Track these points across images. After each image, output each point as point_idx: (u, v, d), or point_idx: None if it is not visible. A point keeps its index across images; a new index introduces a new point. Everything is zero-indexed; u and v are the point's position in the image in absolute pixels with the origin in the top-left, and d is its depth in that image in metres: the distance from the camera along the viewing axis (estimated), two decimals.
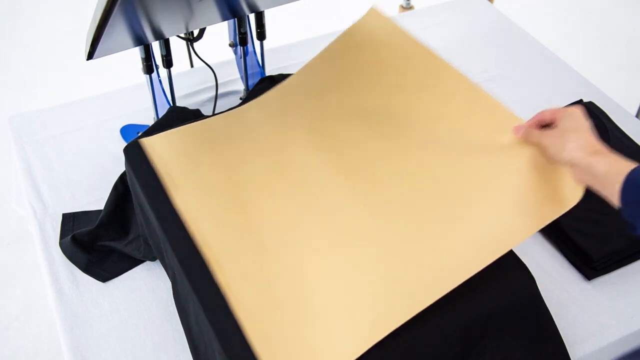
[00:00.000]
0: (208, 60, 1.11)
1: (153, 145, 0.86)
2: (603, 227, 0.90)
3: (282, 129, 0.89)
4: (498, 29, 1.35)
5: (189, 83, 1.21)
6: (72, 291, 0.88)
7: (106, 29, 0.76)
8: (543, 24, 2.41)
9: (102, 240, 0.93)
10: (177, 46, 1.09)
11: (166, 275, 0.86)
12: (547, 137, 0.69)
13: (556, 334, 0.75)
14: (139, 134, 0.96)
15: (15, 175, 1.09)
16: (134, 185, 0.86)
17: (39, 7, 2.62)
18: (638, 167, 0.61)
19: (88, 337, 0.82)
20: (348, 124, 0.86)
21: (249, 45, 1.09)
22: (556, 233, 0.92)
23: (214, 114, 0.97)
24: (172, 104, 1.06)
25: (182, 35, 1.02)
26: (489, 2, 1.44)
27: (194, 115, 0.98)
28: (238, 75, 1.21)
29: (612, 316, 0.83)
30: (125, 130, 1.12)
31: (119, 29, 0.81)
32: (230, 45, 1.12)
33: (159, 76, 1.02)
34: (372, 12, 0.96)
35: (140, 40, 0.93)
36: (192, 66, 1.28)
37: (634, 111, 1.52)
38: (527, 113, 0.83)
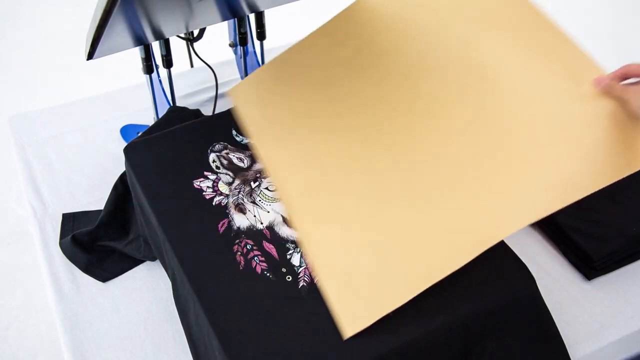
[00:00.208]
0: (208, 60, 1.11)
1: (238, 94, 0.87)
2: (603, 227, 0.90)
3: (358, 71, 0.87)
4: None
5: (189, 83, 1.21)
6: (72, 291, 0.88)
7: (106, 29, 0.76)
8: None
9: (102, 240, 0.93)
10: (177, 46, 1.09)
11: (166, 275, 0.86)
12: (630, 92, 0.67)
13: (556, 334, 0.75)
14: (139, 134, 0.96)
15: (15, 175, 1.09)
16: (134, 185, 0.86)
17: (39, 7, 2.62)
18: None
19: (88, 337, 0.82)
20: (422, 69, 0.83)
21: (249, 45, 1.09)
22: (556, 233, 0.92)
23: (214, 114, 0.98)
24: (172, 104, 1.06)
25: (182, 35, 1.02)
26: None
27: (194, 115, 0.98)
28: (238, 75, 1.21)
29: (612, 316, 0.83)
30: (125, 130, 1.12)
31: (119, 29, 0.81)
32: (230, 45, 1.12)
33: (159, 76, 1.02)
34: None
35: (140, 40, 0.93)
36: (192, 66, 1.28)
37: None
38: None
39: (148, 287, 0.88)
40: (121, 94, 1.21)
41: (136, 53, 0.98)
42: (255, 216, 0.79)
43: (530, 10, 0.82)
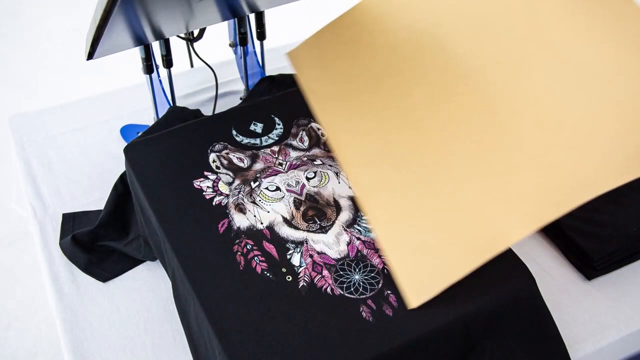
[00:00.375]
0: (208, 60, 1.11)
1: (296, 58, 0.87)
2: (603, 227, 0.90)
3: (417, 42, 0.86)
4: None
5: (189, 83, 1.21)
6: (72, 291, 0.88)
7: (106, 29, 0.76)
8: None
9: (102, 240, 0.93)
10: (177, 46, 1.09)
11: (166, 275, 0.86)
12: None
13: (556, 334, 0.75)
14: (139, 134, 0.96)
15: (15, 175, 1.09)
16: (134, 185, 0.86)
17: (39, 7, 2.62)
18: None
19: (88, 337, 0.82)
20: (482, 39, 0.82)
21: (249, 45, 1.09)
22: (556, 233, 0.92)
23: (214, 114, 0.98)
24: (172, 104, 1.06)
25: (182, 35, 1.02)
26: None
27: (194, 115, 0.98)
28: (238, 75, 1.21)
29: (612, 316, 0.83)
30: (125, 130, 1.12)
31: (119, 29, 0.81)
32: (230, 45, 1.12)
33: (159, 76, 1.02)
34: None
35: (140, 40, 0.93)
36: (192, 66, 1.28)
37: None
38: None
39: (148, 287, 0.88)
40: (121, 94, 1.21)
41: (136, 53, 0.98)
42: (255, 216, 0.79)
43: None
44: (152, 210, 0.80)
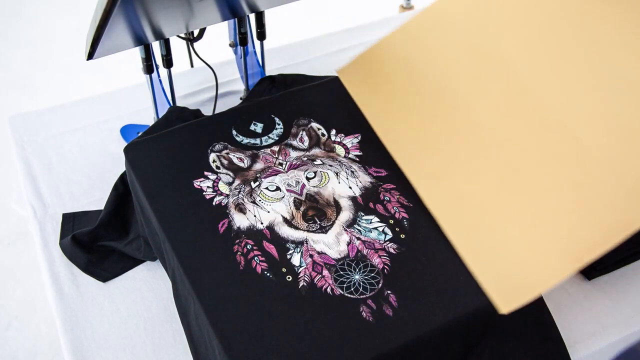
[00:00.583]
0: (208, 60, 1.11)
1: (347, 76, 0.90)
2: None
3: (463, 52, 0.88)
4: None
5: (189, 83, 1.21)
6: (72, 291, 0.88)
7: (106, 29, 0.76)
8: None
9: (102, 240, 0.93)
10: (177, 46, 1.09)
11: (166, 275, 0.86)
12: None
13: (556, 334, 0.75)
14: (139, 134, 0.96)
15: (15, 175, 1.09)
16: (134, 185, 0.86)
17: (39, 7, 2.62)
18: None
19: (88, 337, 0.82)
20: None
21: (249, 45, 1.09)
22: None
23: (214, 114, 0.98)
24: (172, 104, 1.06)
25: (182, 35, 1.02)
26: None
27: (194, 115, 0.98)
28: (238, 75, 1.21)
29: (612, 316, 0.83)
30: (125, 130, 1.12)
31: (119, 29, 0.81)
32: (230, 45, 1.12)
33: (159, 76, 1.02)
34: None
35: (140, 40, 0.93)
36: (192, 66, 1.28)
37: None
38: None
39: (148, 287, 0.88)
40: (121, 94, 1.21)
41: (136, 53, 0.98)
42: (255, 216, 0.79)
43: None
44: (152, 210, 0.80)
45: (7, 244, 1.71)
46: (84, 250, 0.91)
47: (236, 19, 1.04)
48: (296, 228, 0.78)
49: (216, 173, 0.85)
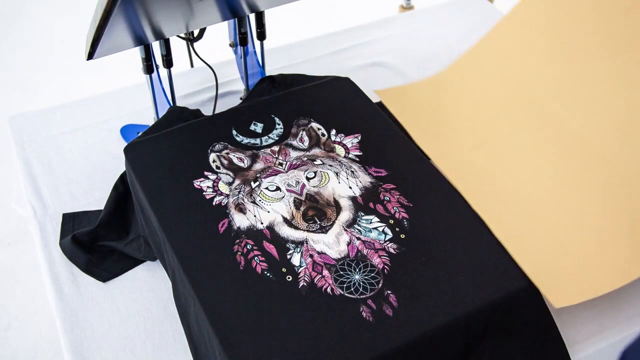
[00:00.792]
0: (208, 60, 1.11)
1: (389, 99, 0.98)
2: None
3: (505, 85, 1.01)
4: None
5: (189, 83, 1.21)
6: (72, 291, 0.88)
7: (106, 29, 0.76)
8: None
9: (102, 240, 0.93)
10: (177, 46, 1.09)
11: (166, 275, 0.86)
12: None
13: (556, 334, 0.75)
14: (139, 134, 0.96)
15: (15, 175, 1.09)
16: (134, 185, 0.86)
17: (39, 7, 2.62)
18: None
19: (88, 337, 0.82)
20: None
21: (249, 45, 1.09)
22: None
23: (214, 114, 0.98)
24: (172, 104, 1.06)
25: (182, 35, 1.02)
26: (489, 2, 1.44)
27: (194, 115, 0.98)
28: (238, 75, 1.21)
29: (612, 316, 0.83)
30: (125, 130, 1.12)
31: (119, 29, 0.81)
32: (230, 45, 1.12)
33: (159, 76, 1.02)
34: None
35: (140, 40, 0.93)
36: (192, 66, 1.28)
37: None
38: None
39: (148, 287, 0.88)
40: (121, 94, 1.21)
41: (136, 53, 0.98)
42: (255, 216, 0.79)
43: None
44: (152, 210, 0.80)
45: (7, 244, 1.71)
46: (84, 250, 0.91)
47: (236, 19, 1.04)
48: (296, 228, 0.78)
49: (216, 173, 0.85)
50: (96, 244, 0.93)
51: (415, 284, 0.71)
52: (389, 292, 0.70)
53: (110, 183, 0.99)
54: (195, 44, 1.06)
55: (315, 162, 0.86)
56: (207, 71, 1.15)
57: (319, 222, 0.78)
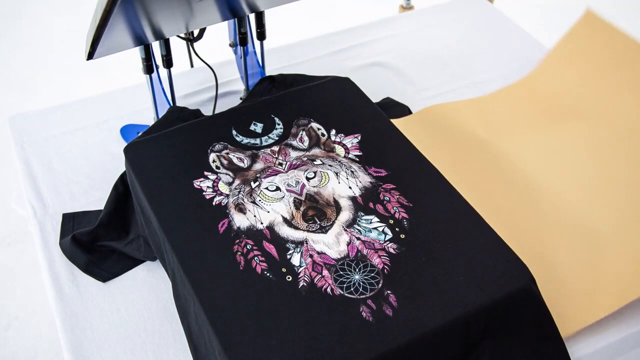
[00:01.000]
0: (208, 60, 1.11)
1: (402, 126, 0.98)
2: None
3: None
4: (498, 29, 1.35)
5: (189, 83, 1.21)
6: (72, 291, 0.88)
7: (106, 29, 0.76)
8: (543, 24, 2.41)
9: (102, 240, 0.93)
10: (177, 46, 1.09)
11: (166, 275, 0.86)
12: None
13: (556, 333, 0.75)
14: (139, 134, 0.96)
15: (15, 175, 1.09)
16: (134, 185, 0.86)
17: (39, 7, 2.62)
18: None
19: (88, 337, 0.82)
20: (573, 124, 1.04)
21: (249, 45, 1.09)
22: None
23: (214, 114, 0.98)
24: (172, 104, 1.06)
25: (182, 35, 1.02)
26: (489, 2, 1.44)
27: (194, 115, 0.98)
28: (238, 75, 1.21)
29: (612, 316, 0.83)
30: (125, 130, 1.12)
31: (119, 29, 0.81)
32: (230, 45, 1.12)
33: (159, 76, 1.02)
34: (589, 15, 1.12)
35: (140, 40, 0.93)
36: (192, 66, 1.28)
37: None
38: None
39: (148, 287, 0.88)
40: (121, 94, 1.21)
41: (136, 53, 0.98)
42: (255, 216, 0.79)
43: None
44: (152, 210, 0.80)
45: (7, 244, 1.71)
46: (84, 250, 0.91)
47: (236, 19, 1.04)
48: (296, 228, 0.78)
49: (216, 173, 0.85)
50: (96, 244, 0.93)
51: (415, 284, 0.71)
52: (388, 292, 0.70)
53: (110, 183, 0.99)
54: (195, 44, 1.06)
55: (315, 162, 0.86)
56: (207, 71, 1.15)
57: (318, 222, 0.78)
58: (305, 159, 0.86)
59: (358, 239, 0.76)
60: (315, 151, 0.88)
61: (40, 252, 0.93)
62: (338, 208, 0.80)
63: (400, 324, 0.67)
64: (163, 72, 1.02)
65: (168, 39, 0.98)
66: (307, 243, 0.76)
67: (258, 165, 0.86)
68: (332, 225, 0.78)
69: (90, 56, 0.84)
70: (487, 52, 1.29)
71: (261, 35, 1.08)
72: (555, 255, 0.87)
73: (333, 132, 0.90)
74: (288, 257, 0.75)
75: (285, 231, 0.77)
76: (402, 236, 0.76)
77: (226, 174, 0.85)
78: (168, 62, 1.01)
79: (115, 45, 0.88)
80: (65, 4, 2.61)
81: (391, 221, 0.78)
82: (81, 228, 0.95)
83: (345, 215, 0.79)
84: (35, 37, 2.48)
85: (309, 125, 0.91)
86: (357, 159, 0.86)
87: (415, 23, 1.37)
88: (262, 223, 0.78)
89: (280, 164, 0.86)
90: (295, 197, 0.81)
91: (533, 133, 1.05)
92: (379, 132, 0.90)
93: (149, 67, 0.99)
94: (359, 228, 0.77)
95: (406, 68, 1.24)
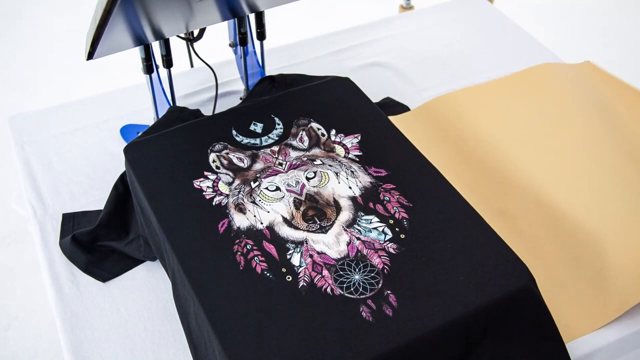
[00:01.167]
0: (208, 60, 1.11)
1: (399, 123, 0.99)
2: None
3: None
4: (498, 29, 1.35)
5: (189, 83, 1.21)
6: (72, 291, 0.88)
7: (106, 29, 0.76)
8: (543, 24, 2.41)
9: (102, 240, 0.93)
10: (177, 46, 1.09)
11: (166, 275, 0.86)
12: None
13: (556, 333, 0.75)
14: (139, 134, 0.96)
15: (15, 175, 1.09)
16: (134, 185, 0.86)
17: (39, 7, 2.62)
18: None
19: (88, 337, 0.82)
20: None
21: (249, 45, 1.09)
22: None
23: (214, 114, 0.98)
24: (172, 104, 1.06)
25: (182, 35, 1.02)
26: (489, 2, 1.44)
27: (194, 115, 0.98)
28: (238, 75, 1.21)
29: None
30: (125, 130, 1.12)
31: (119, 29, 0.81)
32: (230, 45, 1.12)
33: (159, 76, 1.02)
34: (588, 65, 1.19)
35: (140, 40, 0.93)
36: (192, 66, 1.28)
37: None
38: None
39: (148, 287, 0.88)
40: (121, 94, 1.21)
41: (136, 53, 0.98)
42: (255, 216, 0.79)
43: None
44: (152, 210, 0.80)
45: (7, 244, 1.71)
46: (83, 250, 0.91)
47: (236, 19, 1.04)
48: (296, 228, 0.78)
49: (216, 173, 0.85)
50: (96, 244, 0.93)
51: (415, 284, 0.71)
52: (388, 292, 0.70)
53: (110, 183, 0.99)
54: (195, 44, 1.06)
55: (315, 162, 0.86)
56: (207, 71, 1.15)
57: (318, 222, 0.78)
58: (305, 159, 0.86)
59: (358, 239, 0.76)
60: (315, 151, 0.88)
61: (40, 252, 0.93)
62: (338, 208, 0.80)
63: (400, 324, 0.67)
64: (163, 72, 1.02)
65: (168, 39, 0.98)
66: (307, 243, 0.76)
67: (258, 165, 0.86)
68: (332, 225, 0.78)
69: (90, 56, 0.84)
70: (487, 52, 1.29)
71: (261, 35, 1.08)
72: (556, 257, 0.87)
73: (333, 132, 0.90)
74: (288, 257, 0.75)
75: (285, 231, 0.77)
76: (402, 236, 0.76)
77: (226, 174, 0.85)
78: (168, 62, 1.01)
79: (115, 45, 0.88)
80: (65, 4, 2.61)
81: (391, 221, 0.78)
82: (81, 228, 0.95)
83: (345, 215, 0.79)
84: (35, 37, 2.48)
85: (309, 125, 0.91)
86: (357, 159, 0.86)
87: (415, 23, 1.37)
88: (262, 223, 0.78)
89: (280, 164, 0.86)
90: (295, 197, 0.81)
91: (534, 129, 1.05)
92: (378, 132, 0.90)
93: (149, 67, 0.99)
94: (359, 228, 0.77)
95: (406, 68, 1.24)
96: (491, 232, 0.76)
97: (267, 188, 0.82)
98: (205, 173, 0.84)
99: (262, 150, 0.88)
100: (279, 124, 0.92)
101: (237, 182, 0.83)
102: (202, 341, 0.73)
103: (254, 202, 0.81)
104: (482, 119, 1.07)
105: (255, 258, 0.74)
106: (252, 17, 1.06)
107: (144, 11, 0.78)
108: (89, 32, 0.79)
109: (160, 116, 1.01)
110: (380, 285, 0.71)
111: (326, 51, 1.29)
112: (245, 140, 0.89)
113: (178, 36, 1.02)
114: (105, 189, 1.00)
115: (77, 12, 2.55)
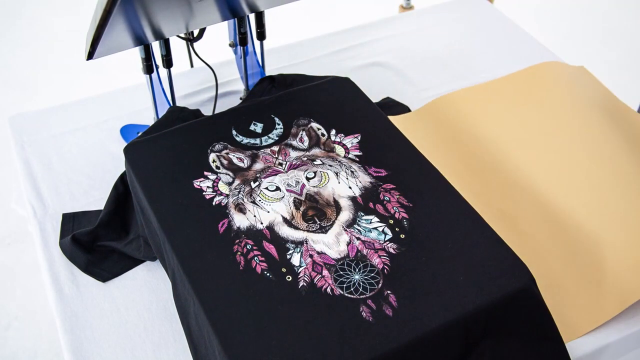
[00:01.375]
0: (208, 60, 1.11)
1: (400, 124, 1.00)
2: None
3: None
4: (498, 29, 1.35)
5: (189, 83, 1.21)
6: (72, 291, 0.88)
7: (106, 29, 0.76)
8: (543, 24, 2.41)
9: (102, 240, 0.93)
10: (177, 46, 1.09)
11: (166, 275, 0.86)
12: None
13: (556, 333, 0.75)
14: (139, 134, 0.96)
15: (15, 175, 1.09)
16: (134, 185, 0.86)
17: (39, 7, 2.62)
18: None
19: (88, 337, 0.82)
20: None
21: (249, 45, 1.09)
22: None
23: (214, 114, 0.98)
24: (172, 104, 1.06)
25: (182, 35, 1.02)
26: (489, 2, 1.44)
27: (194, 115, 0.98)
28: (238, 75, 1.21)
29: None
30: (125, 130, 1.12)
31: (119, 29, 0.81)
32: (230, 45, 1.12)
33: (159, 76, 1.02)
34: (582, 69, 1.19)
35: (140, 40, 0.93)
36: (192, 66, 1.28)
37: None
38: None
39: (148, 287, 0.88)
40: (121, 94, 1.21)
41: (136, 53, 0.98)
42: (255, 216, 0.79)
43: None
44: (152, 210, 0.80)
45: (7, 244, 1.71)
46: (84, 250, 0.91)
47: (236, 19, 1.04)
48: (296, 228, 0.78)
49: (216, 173, 0.85)
50: (96, 244, 0.93)
51: (415, 284, 0.71)
52: (388, 292, 0.70)
53: (110, 183, 0.99)
54: (195, 44, 1.06)
55: (315, 162, 0.86)
56: (207, 71, 1.15)
57: (318, 222, 0.78)
58: (305, 159, 0.86)
59: (358, 239, 0.76)
60: (315, 151, 0.88)
61: (40, 252, 0.93)
62: (338, 208, 0.80)
63: (400, 324, 0.67)
64: (163, 72, 1.02)
65: (168, 39, 0.98)
66: (307, 243, 0.76)
67: (258, 165, 0.86)
68: (332, 225, 0.78)
69: (90, 56, 0.84)
70: (487, 52, 1.29)
71: (261, 35, 1.08)
72: (556, 257, 0.87)
73: (333, 132, 0.90)
74: (288, 257, 0.75)
75: (285, 231, 0.77)
76: (402, 236, 0.76)
77: (226, 174, 0.85)
78: (168, 62, 1.01)
79: (115, 45, 0.88)
80: (65, 4, 2.61)
81: (391, 221, 0.78)
82: (81, 228, 0.95)
83: (345, 215, 0.79)
84: (35, 37, 2.48)
85: (309, 125, 0.91)
86: (357, 159, 0.86)
87: (415, 23, 1.37)
88: (262, 223, 0.78)
89: (280, 164, 0.86)
90: (295, 197, 0.81)
91: (534, 129, 1.05)
92: (378, 132, 0.90)
93: (149, 67, 0.99)
94: (359, 228, 0.77)
95: (406, 68, 1.24)
96: (491, 232, 0.76)
97: (267, 188, 0.82)
98: (205, 173, 0.84)
99: (262, 150, 0.88)
100: (279, 124, 0.92)
101: (237, 182, 0.83)
102: (202, 341, 0.73)
103: (254, 202, 0.81)
104: (482, 119, 1.07)
105: (255, 258, 0.74)
106: (252, 17, 1.06)
107: (144, 11, 0.78)
108: (89, 32, 0.79)
109: (160, 116, 1.01)
110: (380, 285, 0.71)
111: (326, 51, 1.29)
112: (245, 140, 0.89)
113: (178, 36, 1.02)
114: (105, 189, 1.00)
115: (77, 12, 2.55)
